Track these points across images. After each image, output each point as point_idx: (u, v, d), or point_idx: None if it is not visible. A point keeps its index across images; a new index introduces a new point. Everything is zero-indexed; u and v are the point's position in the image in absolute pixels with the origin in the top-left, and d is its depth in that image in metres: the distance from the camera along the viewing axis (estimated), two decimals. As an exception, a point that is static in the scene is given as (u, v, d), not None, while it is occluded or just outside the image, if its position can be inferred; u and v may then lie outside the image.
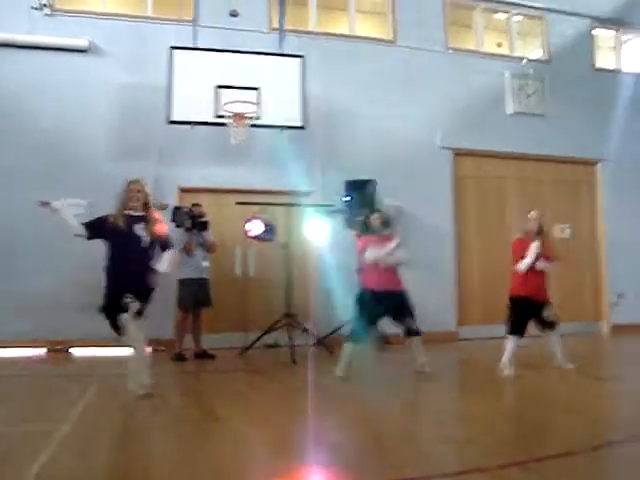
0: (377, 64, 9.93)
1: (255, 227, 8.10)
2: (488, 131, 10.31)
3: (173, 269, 5.68)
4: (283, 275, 8.19)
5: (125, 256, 5.14)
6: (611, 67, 11.64)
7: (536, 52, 11.09)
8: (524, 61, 10.77)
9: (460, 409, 5.34)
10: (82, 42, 8.70)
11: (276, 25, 9.31)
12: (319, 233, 8.51)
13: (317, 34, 9.78)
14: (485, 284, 9.94)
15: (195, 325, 7.89)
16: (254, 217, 8.12)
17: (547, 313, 6.52)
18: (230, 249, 8.86)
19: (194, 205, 7.90)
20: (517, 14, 11.13)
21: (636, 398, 5.41)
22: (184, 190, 8.80)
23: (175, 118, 8.22)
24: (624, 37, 11.94)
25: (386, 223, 6.45)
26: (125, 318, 4.94)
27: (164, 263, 5.34)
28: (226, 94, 8.23)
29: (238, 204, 8.26)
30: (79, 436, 4.01)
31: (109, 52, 8.86)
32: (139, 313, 5.03)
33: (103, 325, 5.19)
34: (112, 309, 5.04)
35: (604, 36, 11.86)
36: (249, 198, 8.51)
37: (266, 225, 8.11)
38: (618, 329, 10.47)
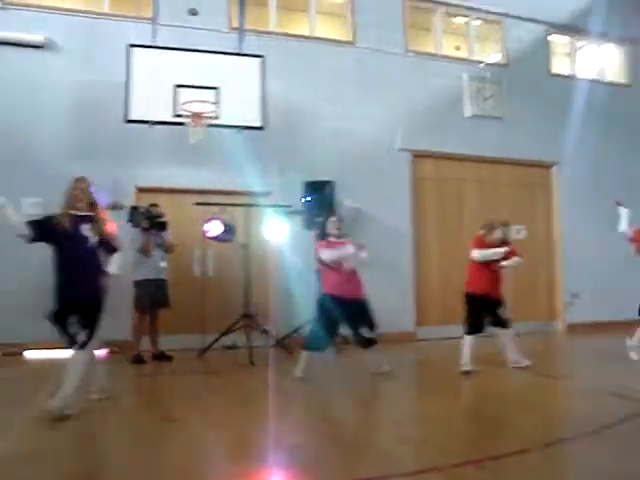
0: (336, 65, 9.94)
1: (214, 228, 8.04)
2: (447, 133, 10.41)
3: (123, 271, 5.47)
4: (242, 276, 8.14)
5: (73, 258, 4.89)
6: (566, 72, 11.87)
7: (494, 56, 11.24)
8: (482, 65, 10.91)
9: (418, 409, 5.40)
10: (38, 38, 8.50)
11: (236, 25, 9.25)
12: (278, 234, 8.51)
13: (277, 34, 9.75)
14: (443, 285, 10.03)
15: (152, 326, 7.79)
16: (213, 217, 8.07)
17: (502, 310, 6.67)
18: (189, 249, 8.77)
19: (152, 205, 7.80)
20: (476, 18, 11.27)
21: (587, 395, 5.55)
22: (142, 190, 8.66)
23: (133, 117, 8.08)
24: (579, 44, 12.20)
25: (342, 228, 6.50)
26: (73, 350, 4.71)
27: (114, 265, 5.16)
28: (185, 93, 8.13)
29: (197, 204, 8.18)
30: (31, 441, 3.93)
31: (66, 48, 8.67)
32: (85, 344, 4.75)
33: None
34: (61, 316, 4.80)
35: (559, 42, 12.09)
36: (208, 198, 8.43)
37: (225, 226, 8.06)
38: (573, 328, 10.67)
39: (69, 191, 5.05)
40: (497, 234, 6.68)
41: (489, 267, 6.62)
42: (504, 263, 6.65)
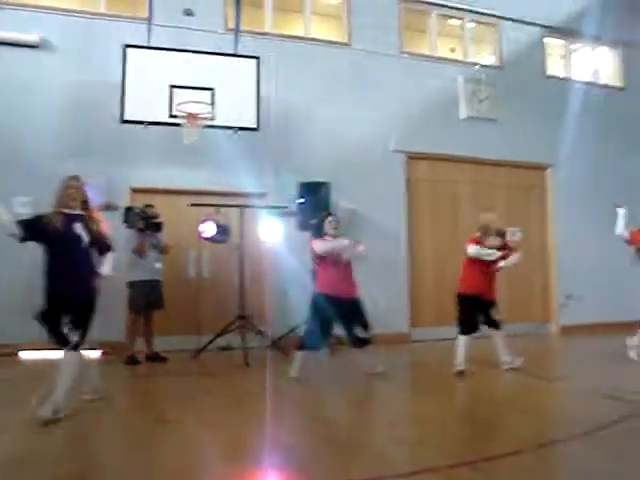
0: (332, 66, 9.95)
1: (209, 228, 8.04)
2: (441, 135, 10.43)
3: (116, 271, 5.41)
4: (237, 277, 8.14)
5: (65, 257, 4.80)
6: (561, 75, 11.91)
7: (489, 58, 11.28)
8: (477, 67, 10.93)
9: (412, 410, 5.40)
10: (33, 37, 8.48)
11: (231, 26, 9.24)
12: (273, 235, 8.51)
13: (273, 35, 9.75)
14: (438, 286, 10.03)
15: (147, 328, 7.78)
16: (208, 218, 8.06)
17: (494, 311, 6.69)
18: (184, 250, 8.76)
19: (147, 206, 7.78)
20: (471, 20, 11.30)
21: (580, 397, 5.56)
22: (136, 190, 8.65)
23: (128, 117, 8.08)
24: (573, 46, 12.24)
25: (339, 228, 6.50)
26: (65, 350, 4.67)
27: (107, 266, 5.09)
28: (180, 94, 8.13)
29: (192, 205, 8.16)
30: (23, 443, 3.92)
31: (61, 48, 8.66)
32: (77, 344, 4.71)
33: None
34: (52, 316, 4.74)
35: (555, 44, 12.12)
36: (203, 199, 8.41)
37: (220, 227, 8.07)
38: (567, 330, 10.70)
39: (62, 189, 4.93)
40: (491, 241, 6.67)
41: (483, 268, 6.63)
42: (502, 264, 6.66)
